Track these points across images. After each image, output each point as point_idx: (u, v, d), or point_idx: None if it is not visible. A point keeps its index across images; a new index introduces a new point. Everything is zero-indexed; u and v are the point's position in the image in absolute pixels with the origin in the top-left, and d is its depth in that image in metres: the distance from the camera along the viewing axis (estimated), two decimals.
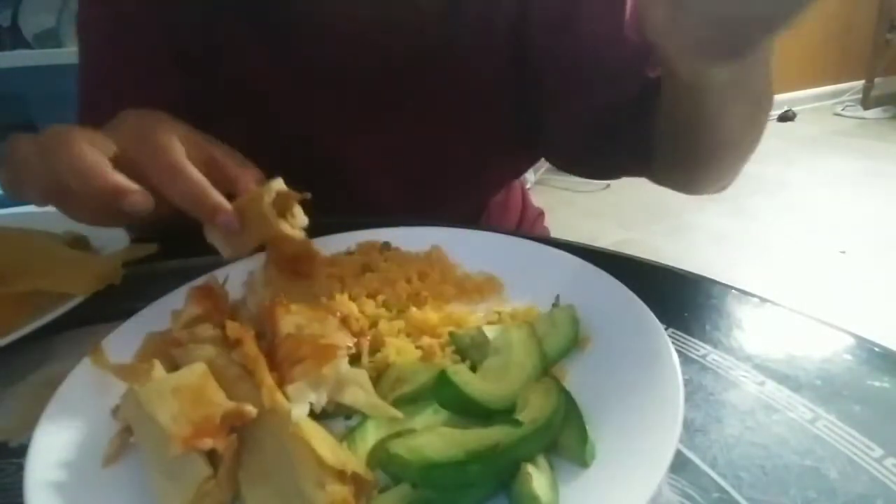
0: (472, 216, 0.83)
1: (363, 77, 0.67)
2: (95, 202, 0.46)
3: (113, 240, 0.59)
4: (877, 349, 0.41)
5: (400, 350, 0.40)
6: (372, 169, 0.72)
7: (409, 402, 0.36)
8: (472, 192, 0.80)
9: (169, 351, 0.39)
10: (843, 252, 2.32)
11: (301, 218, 0.47)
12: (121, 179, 0.44)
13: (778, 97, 4.09)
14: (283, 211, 0.46)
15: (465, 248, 0.53)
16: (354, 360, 0.38)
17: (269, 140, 0.65)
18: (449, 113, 0.69)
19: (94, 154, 0.44)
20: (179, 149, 0.46)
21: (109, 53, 0.67)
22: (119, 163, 0.45)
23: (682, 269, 0.52)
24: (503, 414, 0.33)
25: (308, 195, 0.46)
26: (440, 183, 0.74)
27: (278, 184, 0.45)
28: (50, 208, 0.48)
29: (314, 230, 0.53)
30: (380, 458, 0.30)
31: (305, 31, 0.65)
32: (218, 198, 0.45)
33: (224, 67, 0.66)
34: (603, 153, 0.68)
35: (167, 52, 0.65)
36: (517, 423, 0.31)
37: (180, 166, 0.45)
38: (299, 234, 0.46)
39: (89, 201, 0.46)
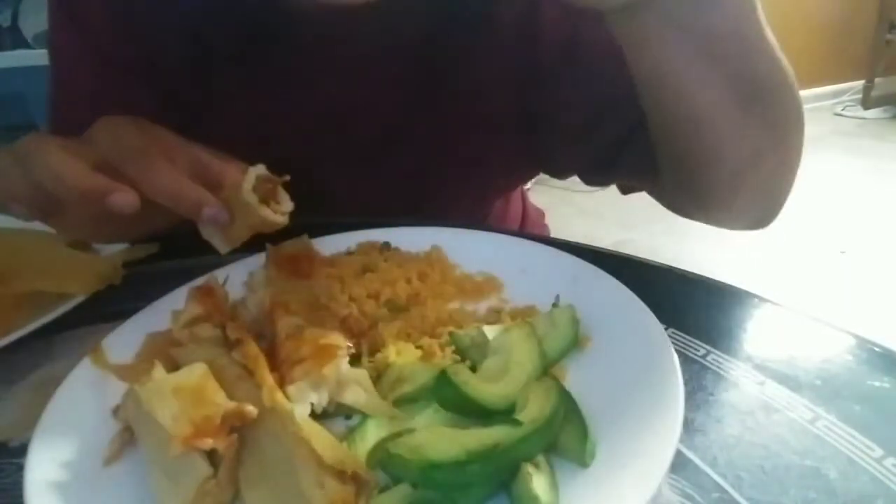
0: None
1: (361, 107, 0.66)
2: (81, 211, 0.45)
3: None
4: (877, 349, 0.41)
5: (400, 350, 0.40)
6: (371, 193, 0.71)
7: (409, 402, 0.36)
8: (469, 205, 0.79)
9: (169, 351, 0.39)
10: (843, 252, 2.32)
11: (286, 203, 0.46)
12: (101, 179, 0.43)
13: None
14: (266, 197, 0.45)
15: (465, 248, 0.53)
16: (354, 360, 0.38)
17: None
18: (447, 139, 0.68)
19: (72, 157, 0.43)
20: (157, 149, 0.45)
21: (78, 70, 0.65)
22: (101, 169, 0.44)
23: (682, 269, 0.52)
24: (503, 414, 0.33)
25: (287, 177, 0.45)
26: (436, 202, 0.73)
27: (259, 170, 0.45)
28: None
29: (314, 230, 0.53)
30: (380, 457, 0.30)
31: (295, 59, 0.63)
32: (200, 191, 0.44)
33: (201, 86, 0.64)
34: (606, 170, 0.66)
35: (138, 69, 0.63)
36: (517, 423, 0.31)
37: (158, 164, 0.44)
38: (282, 219, 0.45)
39: (75, 211, 0.46)
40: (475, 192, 0.76)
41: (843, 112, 4.25)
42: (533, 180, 2.98)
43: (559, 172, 0.74)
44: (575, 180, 0.73)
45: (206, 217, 0.44)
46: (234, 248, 0.47)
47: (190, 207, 0.44)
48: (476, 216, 0.81)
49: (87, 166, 0.43)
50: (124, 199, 0.42)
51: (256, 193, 0.44)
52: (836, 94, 4.41)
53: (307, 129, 0.66)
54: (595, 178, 0.70)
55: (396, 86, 0.65)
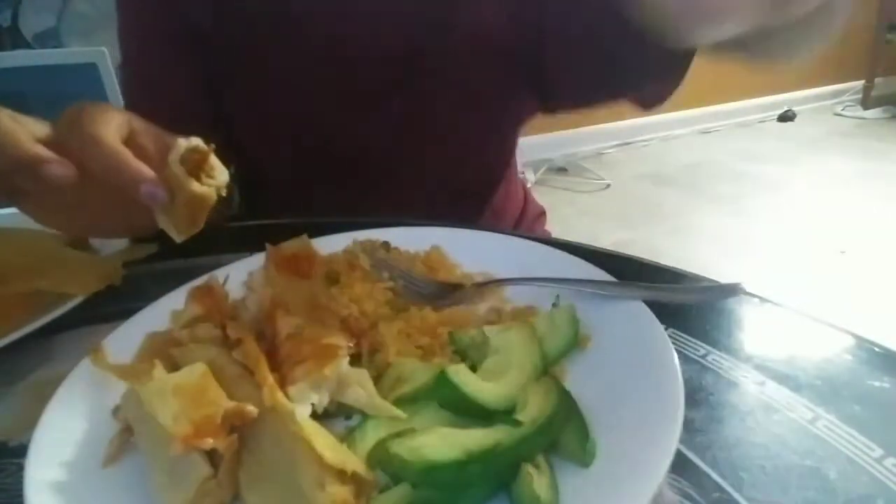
0: (475, 185, 0.83)
1: (367, 43, 0.68)
2: (44, 191, 0.45)
3: (113, 240, 0.59)
4: (877, 349, 0.41)
5: (400, 350, 0.40)
6: (382, 139, 0.73)
7: (409, 402, 0.36)
8: (469, 151, 0.80)
9: (169, 351, 0.39)
10: (843, 252, 2.32)
11: (220, 176, 0.45)
12: (39, 149, 0.43)
13: (778, 97, 4.11)
14: (196, 168, 0.43)
15: (465, 248, 0.53)
16: (355, 360, 0.38)
17: (280, 120, 0.70)
18: (448, 78, 0.71)
19: (14, 126, 0.43)
20: (107, 127, 0.45)
21: (137, 44, 0.72)
22: (47, 145, 0.44)
23: (682, 270, 0.52)
24: (503, 414, 0.33)
25: (213, 146, 0.44)
26: (435, 146, 0.75)
27: (189, 141, 0.43)
28: None
29: (314, 230, 0.53)
30: (380, 458, 0.30)
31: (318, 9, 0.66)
32: (139, 166, 0.43)
33: (239, 50, 0.68)
34: (603, 76, 0.68)
35: (185, 39, 0.68)
36: (517, 423, 0.31)
37: (99, 137, 0.44)
38: (209, 192, 0.44)
39: (37, 190, 0.45)
40: (475, 134, 0.77)
41: (843, 112, 4.24)
42: (533, 180, 2.98)
43: (559, 92, 0.75)
44: (576, 180, 0.75)
45: (144, 194, 0.43)
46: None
47: (128, 182, 0.43)
48: (475, 167, 0.82)
49: (29, 136, 0.43)
50: (59, 169, 0.42)
51: (185, 166, 0.43)
52: (835, 94, 4.40)
53: (312, 67, 0.68)
54: (593, 90, 0.71)
55: (401, 22, 0.67)
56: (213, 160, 0.44)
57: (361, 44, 0.68)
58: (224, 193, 0.45)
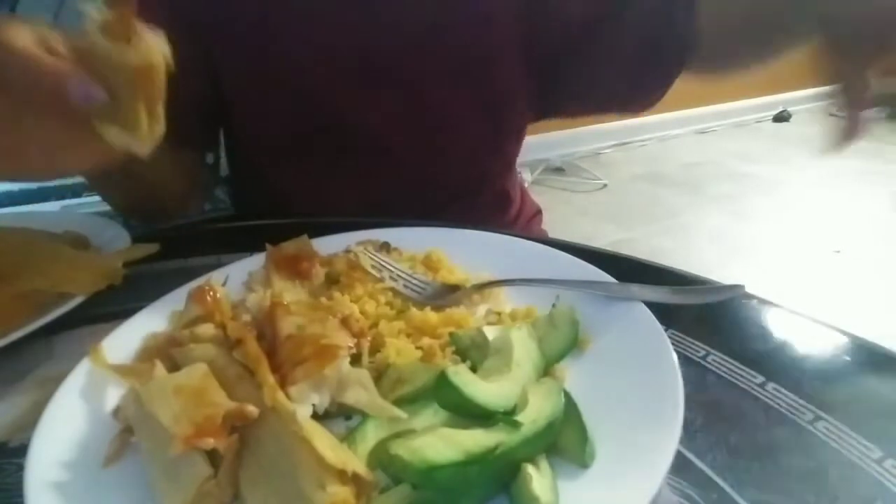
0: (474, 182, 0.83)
1: (382, 36, 0.69)
2: None
3: (113, 240, 0.58)
4: (876, 350, 0.41)
5: (400, 350, 0.40)
6: (384, 128, 0.73)
7: (409, 402, 0.36)
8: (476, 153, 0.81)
9: (169, 351, 0.39)
10: (838, 252, 2.33)
11: (155, 41, 0.38)
12: None
13: (773, 97, 4.12)
14: (123, 37, 0.37)
15: (465, 248, 0.53)
16: (355, 360, 0.38)
17: (280, 106, 0.71)
18: (461, 73, 0.71)
19: None
20: (17, 32, 0.40)
21: None
22: None
23: (680, 270, 0.53)
24: (503, 415, 0.33)
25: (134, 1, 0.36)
26: (446, 144, 0.76)
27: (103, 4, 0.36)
28: (51, 207, 0.48)
29: (314, 230, 0.53)
30: (380, 458, 0.30)
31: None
32: (60, 63, 0.38)
33: (243, 36, 0.68)
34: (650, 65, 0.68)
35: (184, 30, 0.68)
36: (517, 424, 0.31)
37: (9, 42, 0.39)
38: (154, 56, 0.37)
39: None
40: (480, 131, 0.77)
41: (838, 113, 4.25)
42: (530, 180, 2.98)
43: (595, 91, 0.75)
44: (574, 180, 0.75)
45: (75, 94, 0.37)
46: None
47: (51, 83, 0.38)
48: (479, 168, 0.82)
49: None
50: None
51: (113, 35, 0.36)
52: (831, 95, 4.42)
53: (325, 53, 0.69)
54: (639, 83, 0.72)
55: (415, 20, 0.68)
56: (140, 26, 0.38)
57: (364, 33, 0.68)
58: (172, 62, 0.39)
